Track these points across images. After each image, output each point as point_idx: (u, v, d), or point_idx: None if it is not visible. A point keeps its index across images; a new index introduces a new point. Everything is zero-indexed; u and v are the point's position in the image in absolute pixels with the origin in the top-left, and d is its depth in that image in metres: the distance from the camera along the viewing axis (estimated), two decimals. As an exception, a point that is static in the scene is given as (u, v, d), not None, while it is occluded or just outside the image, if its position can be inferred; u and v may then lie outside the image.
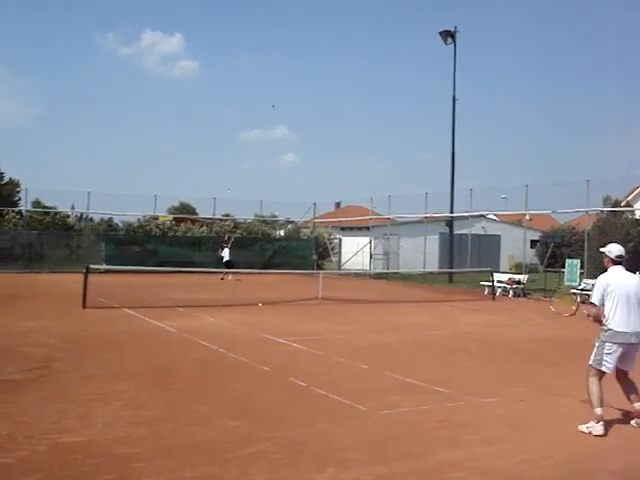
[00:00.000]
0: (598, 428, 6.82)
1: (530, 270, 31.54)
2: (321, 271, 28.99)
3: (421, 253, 35.61)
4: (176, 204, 52.80)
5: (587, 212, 28.46)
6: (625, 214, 32.48)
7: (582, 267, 26.26)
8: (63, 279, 27.73)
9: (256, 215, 44.42)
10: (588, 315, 7.34)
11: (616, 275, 7.12)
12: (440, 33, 34.17)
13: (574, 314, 7.74)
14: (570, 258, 27.21)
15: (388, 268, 39.73)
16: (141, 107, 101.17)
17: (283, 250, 40.90)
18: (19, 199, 44.62)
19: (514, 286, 25.92)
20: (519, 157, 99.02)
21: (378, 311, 19.96)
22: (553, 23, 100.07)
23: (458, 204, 34.11)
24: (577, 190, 27.46)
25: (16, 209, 39.71)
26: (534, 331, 15.89)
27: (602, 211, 31.00)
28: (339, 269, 41.06)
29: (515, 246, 37.46)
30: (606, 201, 31.69)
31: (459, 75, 33.75)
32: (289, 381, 9.15)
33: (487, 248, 41.45)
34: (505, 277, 27.36)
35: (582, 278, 25.12)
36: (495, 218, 47.78)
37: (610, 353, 6.98)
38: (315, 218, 45.23)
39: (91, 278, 18.76)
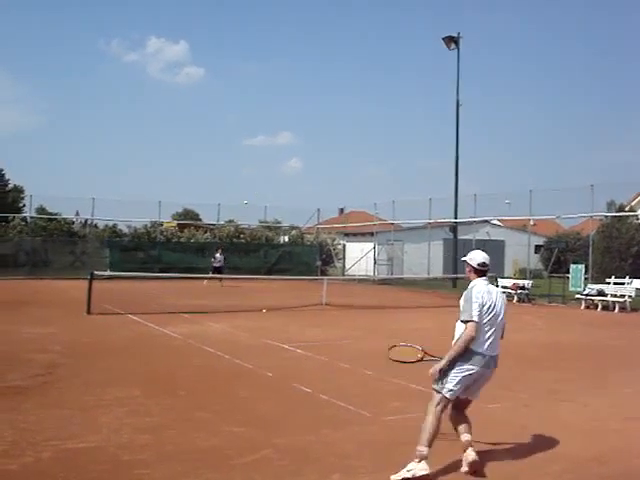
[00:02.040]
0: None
1: (534, 275, 31.53)
2: (325, 277, 28.98)
3: (425, 259, 35.58)
4: (180, 210, 52.91)
5: (591, 217, 28.46)
6: (630, 219, 32.44)
7: (586, 272, 26.23)
8: (67, 285, 27.76)
9: (260, 221, 44.47)
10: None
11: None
12: (443, 39, 34.26)
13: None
14: (575, 263, 27.19)
15: (392, 274, 39.74)
16: (146, 113, 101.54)
17: (287, 256, 40.95)
18: (23, 205, 44.72)
19: (518, 291, 25.91)
20: (523, 162, 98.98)
21: (382, 317, 19.94)
22: (558, 27, 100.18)
23: (462, 209, 34.21)
24: (581, 195, 27.48)
25: (20, 216, 39.80)
26: (538, 336, 15.86)
27: (606, 216, 30.96)
28: (343, 275, 41.07)
29: (519, 251, 37.51)
30: (610, 206, 31.61)
31: (463, 79, 33.90)
32: (293, 387, 9.14)
33: (491, 253, 40.57)
34: (509, 282, 27.36)
35: (587, 283, 25.09)
36: (499, 223, 47.74)
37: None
38: (319, 224, 45.27)
39: (95, 284, 18.77)
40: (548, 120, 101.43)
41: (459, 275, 33.35)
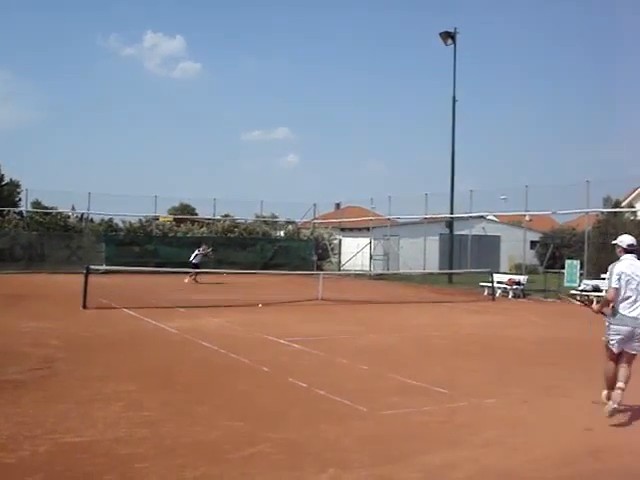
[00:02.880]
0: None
1: (530, 271, 31.58)
2: (321, 272, 29.00)
3: (421, 254, 35.61)
4: (176, 205, 52.82)
5: (587, 213, 28.50)
6: (625, 215, 32.49)
7: (582, 268, 26.27)
8: (64, 280, 27.74)
9: (257, 215, 44.46)
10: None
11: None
12: (440, 34, 34.29)
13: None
14: (570, 259, 27.23)
15: (388, 269, 39.80)
16: (142, 108, 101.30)
17: (283, 251, 40.95)
18: (19, 200, 44.65)
19: (514, 287, 25.95)
20: (519, 158, 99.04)
21: (378, 312, 19.97)
22: (555, 25, 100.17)
23: (458, 205, 34.22)
24: (577, 191, 27.50)
25: (16, 210, 39.73)
26: (534, 332, 15.90)
27: (602, 212, 31.01)
28: (339, 270, 41.10)
29: (515, 247, 37.52)
30: (606, 202, 31.66)
31: (460, 77, 33.94)
32: (290, 382, 9.16)
33: (487, 249, 41.48)
34: (505, 278, 27.40)
35: (582, 279, 25.14)
36: (495, 219, 47.81)
37: None
38: (315, 219, 45.29)
39: (91, 279, 18.78)
40: (544, 116, 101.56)
41: (455, 270, 33.50)
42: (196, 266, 29.50)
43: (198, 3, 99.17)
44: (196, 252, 30.47)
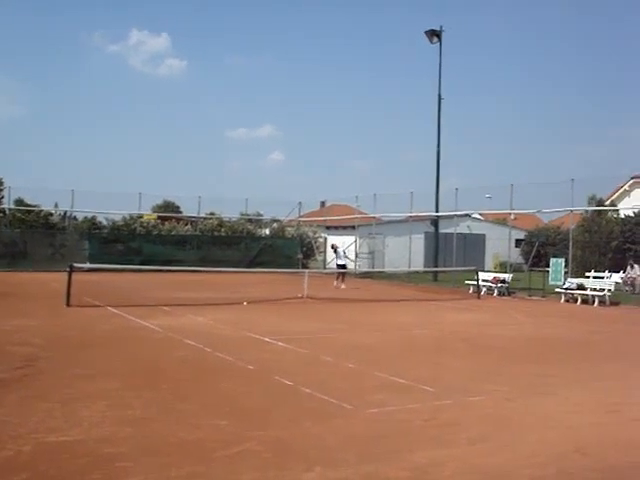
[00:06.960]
0: None
1: (515, 269, 31.65)
2: (306, 270, 28.96)
3: (406, 252, 35.61)
4: (160, 202, 52.55)
5: (572, 211, 28.62)
6: (609, 213, 32.71)
7: (566, 266, 26.41)
8: (47, 278, 27.54)
9: (241, 213, 44.32)
10: None
11: None
12: (426, 32, 34.34)
13: None
14: (555, 257, 27.37)
15: (373, 267, 39.77)
16: (127, 105, 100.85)
17: (268, 249, 40.86)
18: (2, 197, 44.20)
19: (499, 285, 26.06)
20: (504, 156, 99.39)
21: (364, 310, 19.98)
22: (539, 24, 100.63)
23: (443, 203, 34.30)
24: (561, 189, 27.60)
25: (-1, 207, 39.36)
26: (519, 330, 15.96)
27: (586, 210, 31.18)
28: (324, 268, 41.04)
29: (500, 245, 37.65)
30: (591, 200, 31.87)
31: (446, 75, 34.02)
32: (275, 380, 9.13)
33: (472, 247, 41.58)
34: (490, 276, 27.50)
35: (566, 277, 25.26)
36: (480, 217, 47.94)
37: None
38: (300, 217, 45.25)
39: (75, 277, 18.65)
40: (530, 115, 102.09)
41: (440, 268, 33.57)
42: (343, 267, 28.73)
43: (183, 0, 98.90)
44: (339, 254, 29.04)
